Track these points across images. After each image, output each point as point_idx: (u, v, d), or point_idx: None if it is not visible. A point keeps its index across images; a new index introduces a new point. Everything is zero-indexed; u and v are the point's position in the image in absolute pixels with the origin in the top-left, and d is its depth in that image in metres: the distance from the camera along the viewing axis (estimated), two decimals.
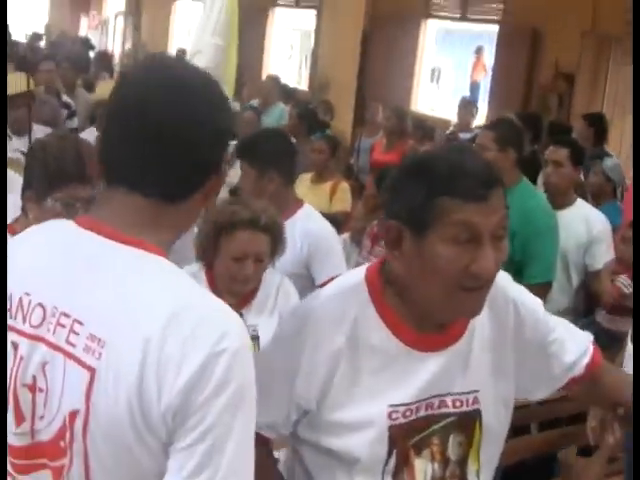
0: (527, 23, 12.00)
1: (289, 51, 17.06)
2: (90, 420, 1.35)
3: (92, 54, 14.19)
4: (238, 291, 2.91)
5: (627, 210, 5.39)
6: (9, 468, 1.48)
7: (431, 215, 1.57)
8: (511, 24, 12.47)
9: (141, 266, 1.39)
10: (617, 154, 7.92)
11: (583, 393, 2.06)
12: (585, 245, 4.45)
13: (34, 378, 1.41)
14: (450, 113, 11.02)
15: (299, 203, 3.66)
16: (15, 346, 1.44)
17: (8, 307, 1.45)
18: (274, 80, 10.60)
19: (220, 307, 1.39)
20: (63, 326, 1.39)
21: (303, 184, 5.74)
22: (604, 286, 4.49)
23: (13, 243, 1.55)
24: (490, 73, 13.19)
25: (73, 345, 1.37)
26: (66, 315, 1.39)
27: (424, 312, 1.70)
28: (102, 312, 1.36)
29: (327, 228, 3.68)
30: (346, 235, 5.02)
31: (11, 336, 1.44)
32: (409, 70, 13.86)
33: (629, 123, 8.13)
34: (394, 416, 1.72)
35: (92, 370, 1.34)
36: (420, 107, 13.61)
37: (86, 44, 15.53)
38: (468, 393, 1.78)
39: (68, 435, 1.38)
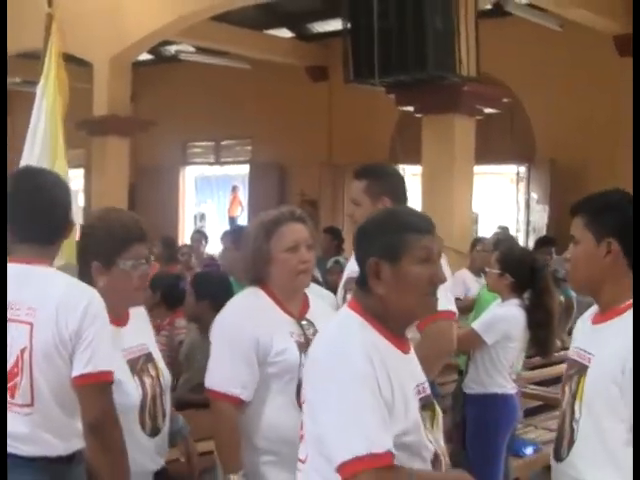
0: (273, 160, 13.71)
1: None
2: (33, 349, 2.49)
3: None
4: (300, 286, 3.00)
5: None
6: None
7: (403, 247, 2.15)
8: (259, 162, 14.18)
9: (45, 272, 2.60)
10: None
11: None
12: None
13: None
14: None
15: None
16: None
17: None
18: None
19: (85, 286, 2.58)
20: (14, 309, 2.53)
21: None
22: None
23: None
24: (246, 208, 14.85)
25: (19, 315, 2.53)
26: (16, 304, 2.54)
27: (402, 322, 2.24)
28: (32, 296, 2.53)
29: None
30: None
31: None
32: (174, 214, 15.29)
33: None
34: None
35: (31, 323, 2.51)
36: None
37: None
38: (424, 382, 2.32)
39: (20, 362, 2.51)
